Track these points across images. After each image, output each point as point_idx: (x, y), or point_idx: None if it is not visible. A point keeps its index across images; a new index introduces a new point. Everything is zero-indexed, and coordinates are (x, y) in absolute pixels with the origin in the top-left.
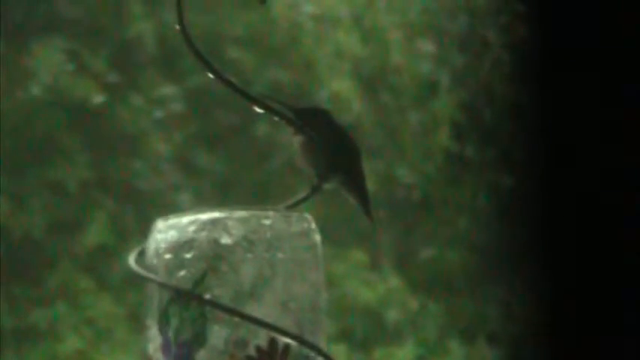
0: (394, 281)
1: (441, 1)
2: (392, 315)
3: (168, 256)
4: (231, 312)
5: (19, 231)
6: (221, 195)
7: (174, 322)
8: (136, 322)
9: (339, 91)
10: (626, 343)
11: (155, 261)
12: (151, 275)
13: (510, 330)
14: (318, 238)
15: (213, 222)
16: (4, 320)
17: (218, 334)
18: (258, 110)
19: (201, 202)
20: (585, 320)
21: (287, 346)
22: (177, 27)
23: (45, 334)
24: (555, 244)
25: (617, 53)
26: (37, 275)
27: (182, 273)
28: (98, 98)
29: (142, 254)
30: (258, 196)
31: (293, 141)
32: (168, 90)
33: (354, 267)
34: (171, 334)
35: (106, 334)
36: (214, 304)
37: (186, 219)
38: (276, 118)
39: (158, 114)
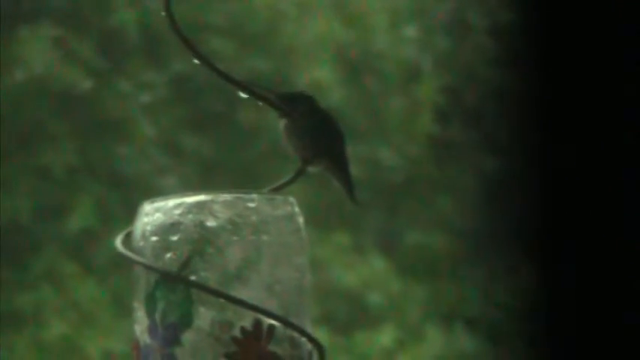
0: (377, 264)
1: None
2: (374, 298)
3: (154, 238)
4: (217, 294)
5: (5, 216)
6: (206, 178)
7: (160, 304)
8: (120, 306)
9: (319, 78)
10: (604, 329)
11: (142, 243)
12: (138, 258)
13: (489, 315)
14: (302, 221)
15: (199, 205)
16: None
17: (204, 315)
18: (243, 95)
19: (187, 186)
20: (564, 306)
21: (272, 328)
22: (163, 13)
23: (30, 318)
24: (539, 229)
25: (599, 39)
26: (23, 260)
27: (168, 255)
28: (85, 84)
29: (128, 237)
30: (243, 179)
31: (278, 125)
32: (153, 76)
33: (337, 250)
34: (158, 316)
35: (90, 318)
36: (200, 287)
37: (172, 202)
38: (260, 103)
39: (144, 99)
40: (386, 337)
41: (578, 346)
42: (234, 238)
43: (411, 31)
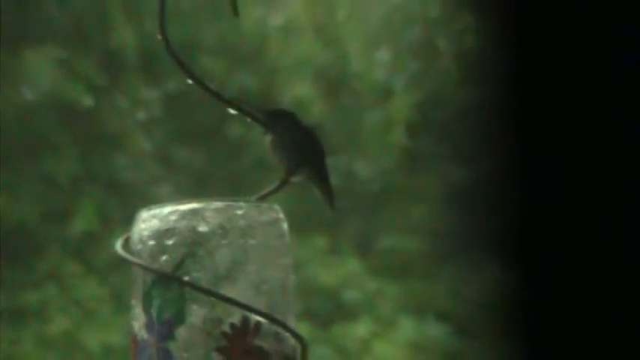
0: (353, 265)
1: (396, 13)
2: (350, 295)
3: (151, 242)
4: (208, 293)
5: (12, 219)
6: (198, 188)
7: (156, 302)
8: (119, 303)
9: (301, 96)
10: (567, 318)
11: (139, 247)
12: (136, 260)
13: (457, 308)
14: (286, 226)
15: (192, 212)
16: (1, 302)
17: (196, 312)
18: (232, 112)
19: (180, 194)
20: (527, 300)
21: (258, 324)
22: (159, 37)
23: (35, 314)
24: (503, 230)
25: (559, 59)
26: (29, 260)
27: (164, 258)
28: (86, 101)
29: (127, 241)
30: (231, 188)
31: (264, 139)
32: (149, 94)
33: (316, 252)
34: (154, 313)
35: (91, 314)
36: (193, 286)
37: (167, 209)
38: (247, 119)
39: (140, 115)
40: (362, 329)
41: (541, 336)
42: (224, 241)
43: (383, 54)
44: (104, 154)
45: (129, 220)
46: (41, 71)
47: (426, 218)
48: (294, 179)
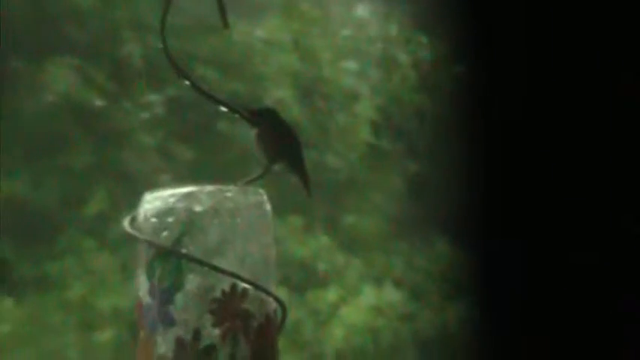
0: (324, 241)
1: (361, 30)
2: (321, 266)
3: (153, 220)
4: (202, 263)
5: (38, 203)
6: (193, 176)
7: (158, 271)
8: (127, 272)
9: (282, 98)
10: (506, 283)
11: (144, 224)
12: (141, 235)
13: (412, 277)
14: (268, 207)
15: (188, 195)
16: (27, 272)
17: (192, 281)
18: (223, 110)
19: (178, 181)
20: (470, 269)
21: (245, 290)
22: (161, 46)
23: (56, 282)
24: (448, 212)
25: (494, 70)
26: (51, 237)
27: (164, 234)
28: (98, 103)
29: (133, 220)
30: (222, 176)
31: (250, 133)
32: (152, 97)
33: (292, 230)
34: (155, 281)
35: (104, 282)
36: (189, 258)
37: (167, 193)
38: (236, 116)
39: (144, 115)
40: (331, 294)
41: (483, 300)
42: (215, 220)
43: (350, 64)
44: (113, 148)
45: (134, 202)
46: (60, 78)
47: (384, 202)
48: (275, 168)
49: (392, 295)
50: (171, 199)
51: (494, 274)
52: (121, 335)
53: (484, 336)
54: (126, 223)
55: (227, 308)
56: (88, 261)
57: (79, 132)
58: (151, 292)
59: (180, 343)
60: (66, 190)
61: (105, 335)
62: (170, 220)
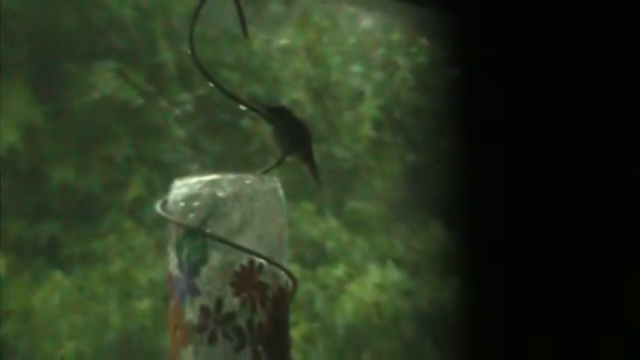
0: (332, 223)
1: (366, 38)
2: (330, 245)
3: (182, 204)
4: (224, 242)
5: (84, 189)
6: (218, 166)
7: (185, 249)
8: (161, 249)
9: (296, 99)
10: (497, 263)
11: (173, 208)
12: (171, 217)
13: (411, 257)
14: (282, 193)
15: (213, 182)
16: (74, 248)
17: (215, 257)
18: (243, 108)
19: (205, 170)
20: (463, 250)
21: (261, 265)
22: (190, 53)
23: (100, 258)
24: (443, 198)
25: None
26: (96, 218)
27: (191, 216)
28: (137, 102)
29: (164, 203)
30: (242, 166)
31: (267, 129)
32: (183, 96)
33: (304, 213)
34: (184, 257)
35: (141, 257)
36: (213, 237)
37: (194, 180)
38: (255, 114)
39: (177, 112)
40: (339, 271)
41: (476, 277)
42: (236, 205)
43: (356, 68)
44: (150, 140)
45: (168, 188)
46: (105, 80)
47: (386, 189)
48: (289, 159)
49: (393, 273)
50: (198, 186)
51: (484, 254)
52: (156, 304)
53: (475, 308)
54: (158, 206)
55: (245, 280)
56: (128, 239)
57: (121, 126)
58: (180, 267)
59: (204, 311)
60: (109, 177)
61: (142, 304)
62: (196, 204)
